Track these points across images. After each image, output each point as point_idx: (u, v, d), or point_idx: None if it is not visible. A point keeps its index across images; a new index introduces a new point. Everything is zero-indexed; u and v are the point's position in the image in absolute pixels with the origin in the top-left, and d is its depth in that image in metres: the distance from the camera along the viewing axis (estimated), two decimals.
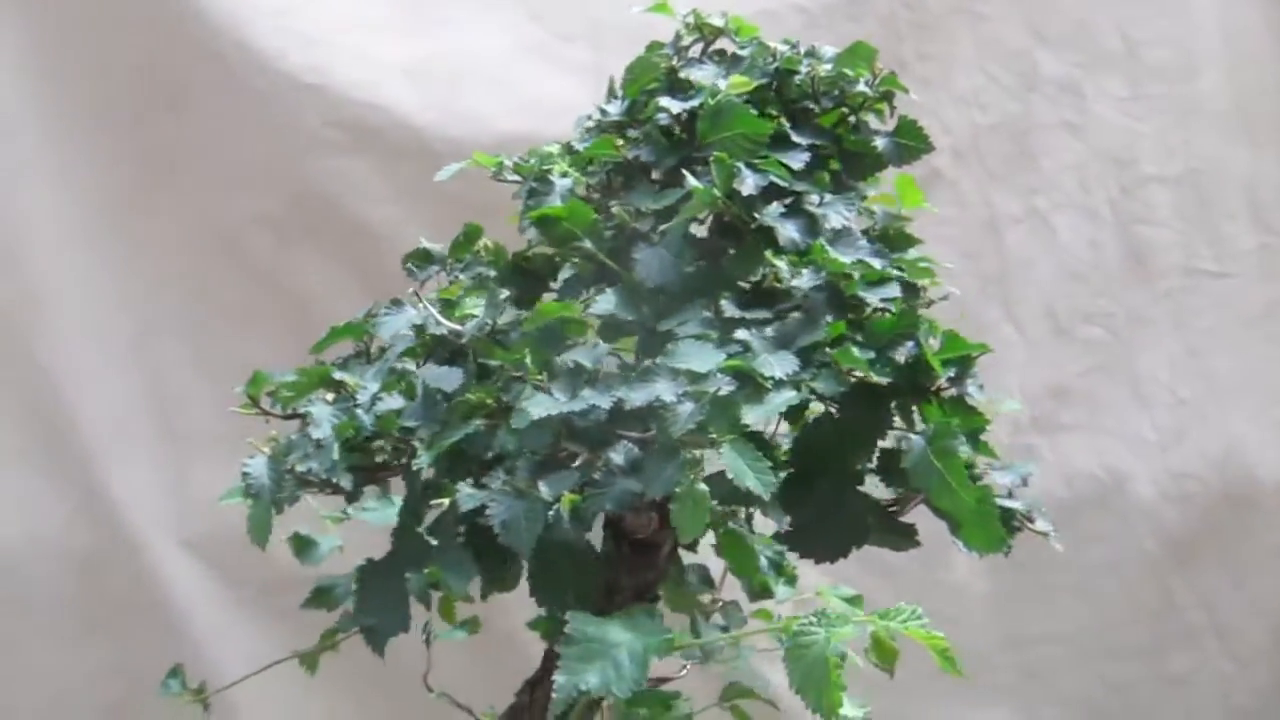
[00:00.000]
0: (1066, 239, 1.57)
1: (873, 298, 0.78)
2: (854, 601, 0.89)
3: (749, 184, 0.81)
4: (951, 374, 0.78)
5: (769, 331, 0.77)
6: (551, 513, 0.72)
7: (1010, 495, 0.85)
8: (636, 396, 0.72)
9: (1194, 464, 1.60)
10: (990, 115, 1.56)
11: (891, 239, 0.91)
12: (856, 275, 0.79)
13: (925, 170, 1.56)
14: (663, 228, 0.83)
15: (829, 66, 0.88)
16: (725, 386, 0.71)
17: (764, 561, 0.88)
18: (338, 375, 0.85)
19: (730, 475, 0.69)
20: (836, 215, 0.83)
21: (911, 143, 0.91)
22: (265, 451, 0.80)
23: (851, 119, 0.89)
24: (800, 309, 0.78)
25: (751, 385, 0.72)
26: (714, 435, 0.69)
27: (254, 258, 1.43)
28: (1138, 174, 1.62)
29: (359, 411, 0.81)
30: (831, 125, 0.89)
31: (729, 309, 0.79)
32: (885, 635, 0.68)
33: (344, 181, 1.42)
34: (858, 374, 0.75)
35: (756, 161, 0.82)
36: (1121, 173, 1.61)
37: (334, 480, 0.78)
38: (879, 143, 0.89)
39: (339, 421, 0.79)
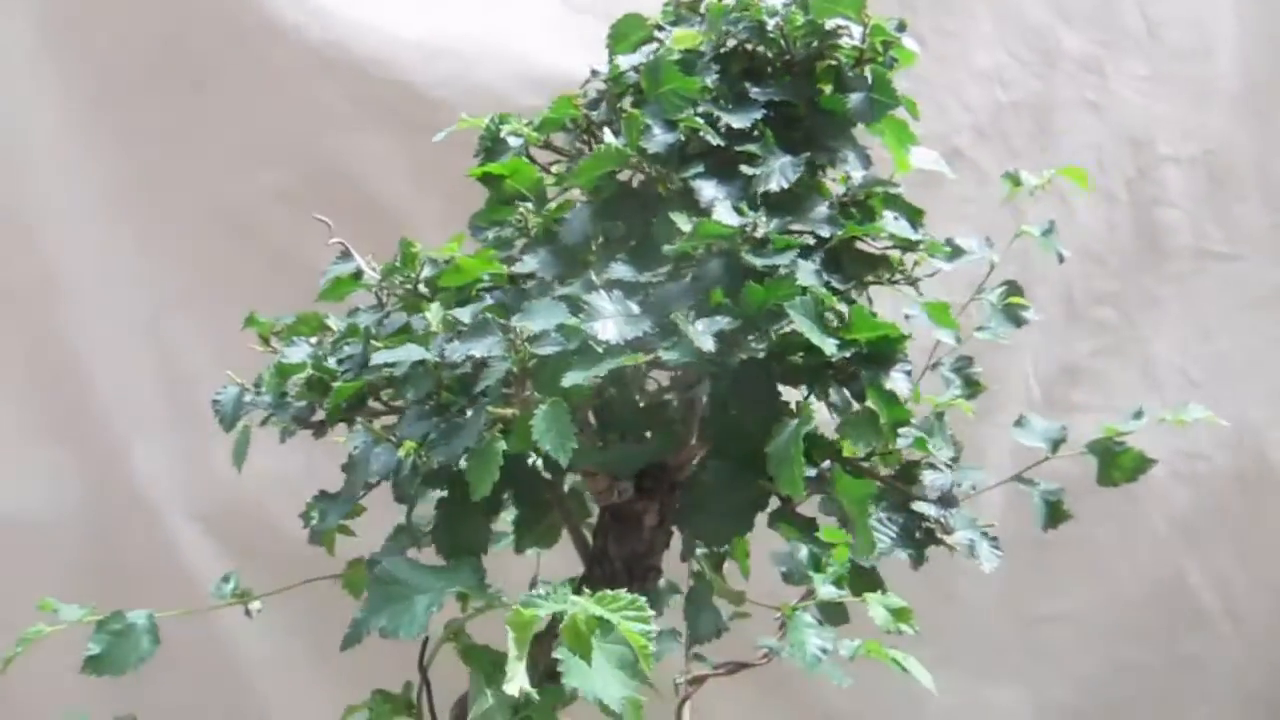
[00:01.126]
0: (1084, 219, 1.55)
1: (762, 264, 0.73)
2: (899, 614, 0.85)
3: (655, 142, 0.77)
4: (859, 355, 0.72)
5: (648, 296, 0.72)
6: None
7: (941, 500, 0.82)
8: (454, 350, 0.71)
9: (1205, 445, 1.59)
10: (1011, 93, 1.53)
11: (865, 205, 0.85)
12: (748, 242, 0.73)
13: (946, 148, 1.54)
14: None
15: (806, 17, 0.81)
16: (550, 347, 0.69)
17: (804, 554, 0.86)
18: (330, 321, 0.87)
19: (534, 435, 0.66)
20: (778, 177, 0.77)
21: (882, 98, 0.84)
22: (238, 383, 0.84)
23: (850, 72, 0.83)
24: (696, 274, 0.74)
25: (584, 347, 0.69)
26: (536, 395, 0.68)
27: (271, 233, 1.40)
28: (1154, 155, 1.59)
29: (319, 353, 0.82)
30: (818, 80, 0.83)
31: (617, 270, 0.74)
32: (580, 619, 0.63)
33: (361, 157, 1.39)
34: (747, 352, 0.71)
35: (679, 118, 0.78)
36: (1138, 153, 1.59)
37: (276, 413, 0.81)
38: (851, 99, 0.82)
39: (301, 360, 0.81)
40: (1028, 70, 1.53)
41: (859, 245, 0.82)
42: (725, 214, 0.74)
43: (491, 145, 0.86)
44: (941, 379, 1.07)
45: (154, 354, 1.41)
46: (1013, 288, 1.13)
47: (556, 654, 0.64)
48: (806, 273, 0.72)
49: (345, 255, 0.88)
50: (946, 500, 0.82)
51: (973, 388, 1.10)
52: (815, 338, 0.69)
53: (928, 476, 0.82)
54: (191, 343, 1.40)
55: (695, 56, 0.81)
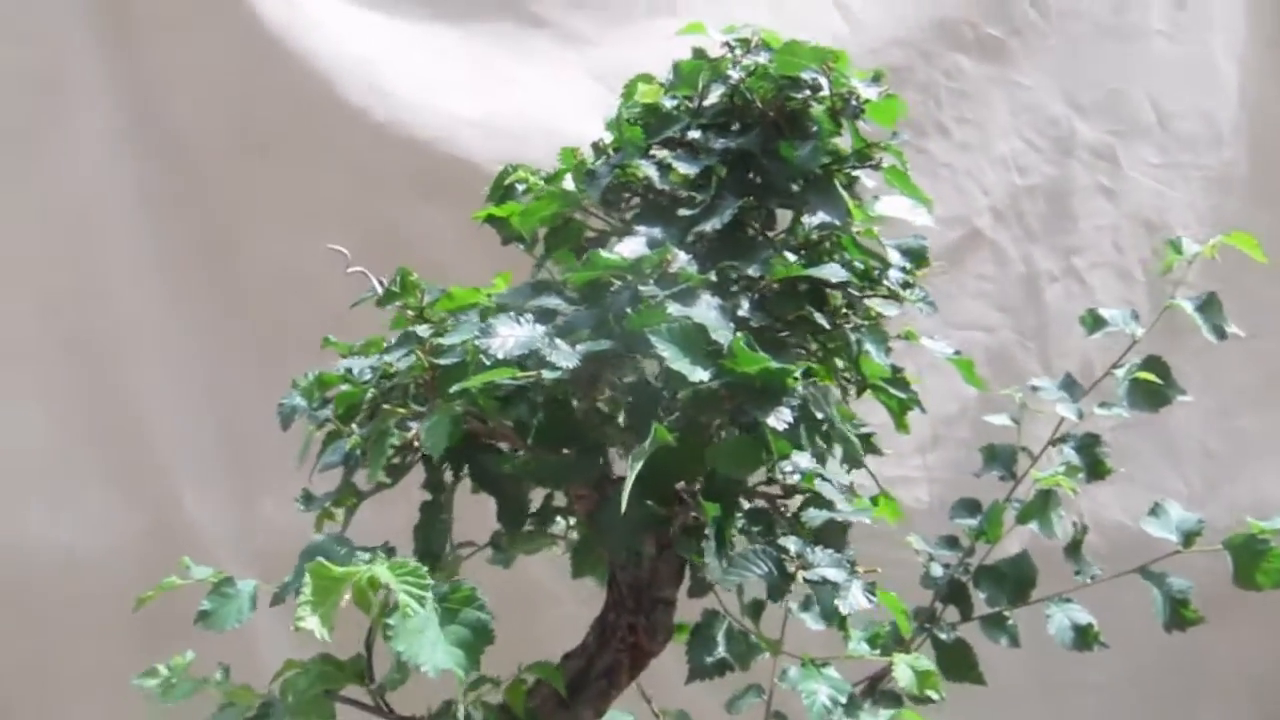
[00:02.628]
0: (1102, 297, 1.59)
1: (663, 294, 0.74)
2: (925, 679, 0.87)
3: (595, 186, 0.84)
4: (748, 389, 0.72)
5: (564, 319, 0.76)
6: None
7: (817, 535, 0.80)
8: (388, 358, 0.81)
9: (1224, 517, 1.59)
10: (1028, 178, 1.59)
11: (817, 248, 0.86)
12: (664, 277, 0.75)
13: (965, 230, 1.60)
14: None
15: (768, 64, 0.84)
16: (448, 359, 0.77)
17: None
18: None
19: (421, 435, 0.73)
20: (715, 219, 0.81)
21: (822, 146, 0.84)
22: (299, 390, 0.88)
23: (813, 123, 0.84)
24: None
25: (477, 362, 0.74)
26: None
27: (327, 294, 1.46)
28: (1168, 236, 1.64)
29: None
30: (789, 130, 0.85)
31: (544, 299, 0.79)
32: (364, 586, 0.66)
33: (418, 225, 1.46)
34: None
35: (622, 164, 0.84)
36: (1153, 235, 1.63)
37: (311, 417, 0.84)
38: (800, 150, 0.84)
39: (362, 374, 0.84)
40: (1043, 157, 1.59)
41: (812, 286, 0.85)
42: (629, 249, 0.78)
43: (501, 193, 0.93)
44: (1063, 456, 1.12)
45: (210, 406, 1.46)
46: (1152, 363, 1.18)
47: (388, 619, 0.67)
48: (706, 306, 0.74)
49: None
50: (823, 536, 0.80)
51: (1098, 469, 1.14)
52: (680, 365, 0.70)
53: (809, 513, 0.81)
54: (246, 396, 1.45)
55: (667, 109, 0.86)
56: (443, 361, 0.76)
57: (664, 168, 0.83)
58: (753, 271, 0.80)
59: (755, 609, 0.96)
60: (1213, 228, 1.65)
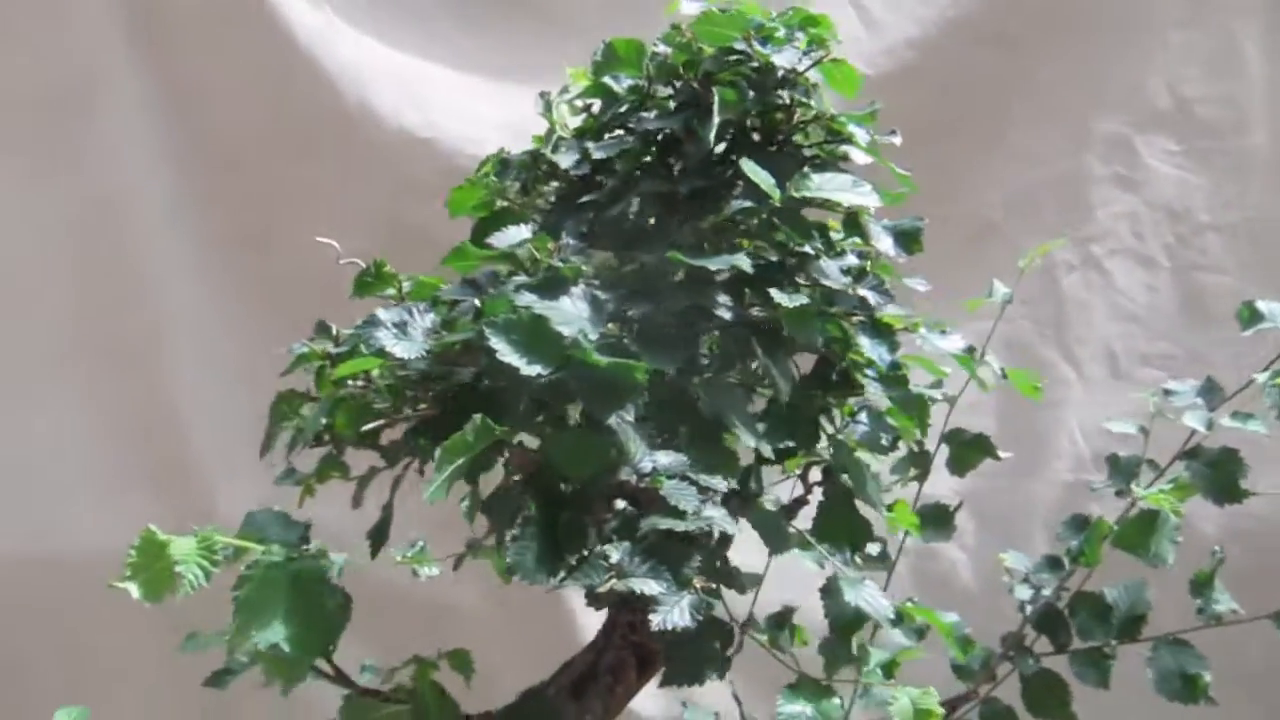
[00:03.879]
0: (1123, 284, 1.58)
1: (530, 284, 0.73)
2: (924, 715, 0.83)
3: (504, 177, 0.83)
4: (589, 385, 0.68)
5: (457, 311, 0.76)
6: None
7: (647, 546, 0.70)
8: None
9: (1254, 502, 1.58)
10: (1044, 171, 1.58)
11: (724, 234, 0.79)
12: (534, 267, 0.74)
13: (979, 224, 1.61)
14: None
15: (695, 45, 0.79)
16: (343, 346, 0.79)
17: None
18: None
19: None
20: (619, 207, 0.78)
21: (723, 117, 0.78)
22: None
23: (732, 94, 0.79)
24: None
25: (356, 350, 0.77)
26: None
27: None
28: (1193, 223, 1.63)
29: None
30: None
31: (460, 290, 0.78)
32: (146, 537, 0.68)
33: (447, 226, 1.48)
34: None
35: (533, 150, 0.84)
36: (1176, 222, 1.62)
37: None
38: (704, 129, 0.78)
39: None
40: (1058, 150, 1.59)
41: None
42: (504, 239, 0.77)
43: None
44: (1184, 470, 1.03)
45: (244, 404, 1.49)
46: None
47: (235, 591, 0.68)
48: (573, 298, 0.71)
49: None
50: (660, 546, 0.70)
51: (1231, 491, 1.03)
52: (511, 358, 0.68)
53: (646, 522, 0.71)
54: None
55: (614, 90, 0.83)
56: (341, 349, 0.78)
57: (585, 155, 0.81)
58: (644, 258, 0.75)
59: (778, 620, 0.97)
60: (1239, 213, 1.64)
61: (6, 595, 1.47)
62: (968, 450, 1.08)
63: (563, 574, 0.70)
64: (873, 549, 0.89)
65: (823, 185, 0.77)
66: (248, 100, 1.51)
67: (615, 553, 0.69)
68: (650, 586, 0.68)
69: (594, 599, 0.73)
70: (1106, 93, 1.61)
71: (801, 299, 0.75)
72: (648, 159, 0.81)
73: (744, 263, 0.73)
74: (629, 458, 0.70)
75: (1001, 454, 1.07)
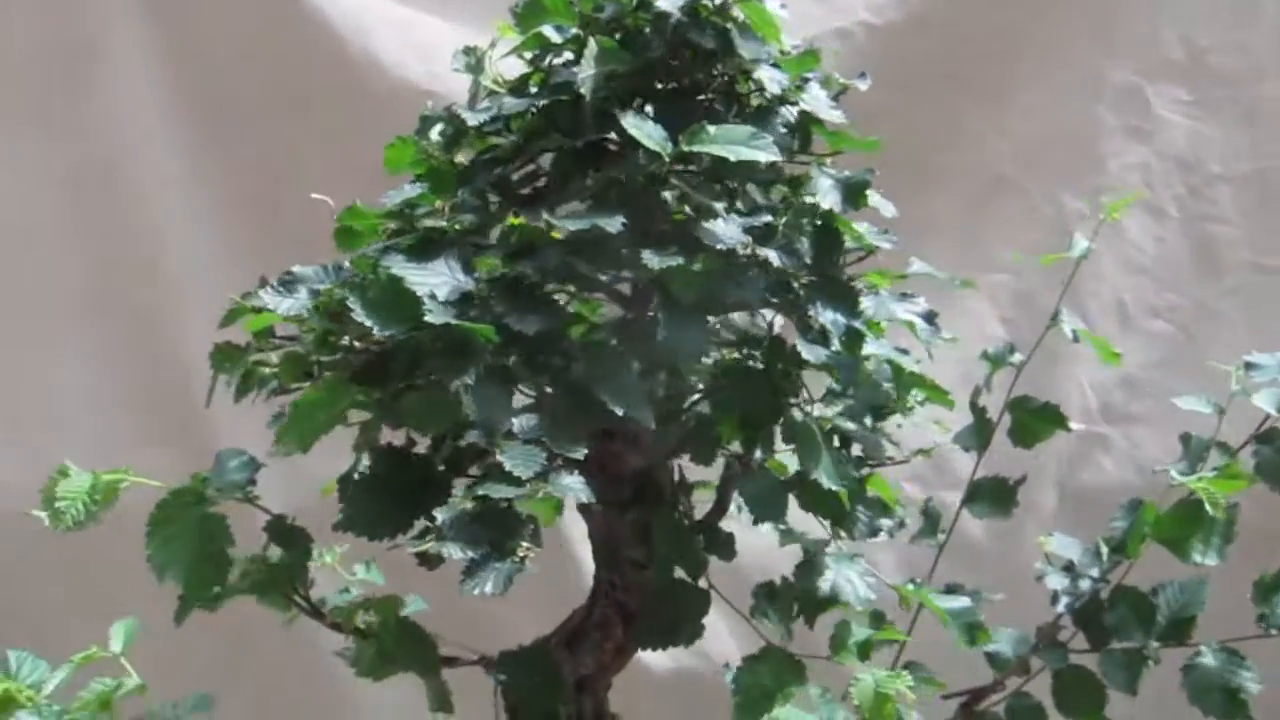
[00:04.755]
0: (1133, 235, 1.56)
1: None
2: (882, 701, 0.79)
3: (423, 134, 0.82)
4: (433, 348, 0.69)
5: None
6: None
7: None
8: None
9: None
10: (1054, 124, 1.56)
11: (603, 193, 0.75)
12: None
13: (990, 177, 1.59)
14: None
15: None
16: None
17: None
18: None
19: None
20: (513, 167, 0.77)
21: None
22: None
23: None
24: None
25: None
26: None
27: None
28: (1205, 174, 1.60)
29: None
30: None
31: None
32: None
33: None
34: None
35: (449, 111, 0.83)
36: (1188, 173, 1.60)
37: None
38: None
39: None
40: (1068, 102, 1.56)
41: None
42: (392, 198, 0.78)
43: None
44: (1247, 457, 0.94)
45: None
46: None
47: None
48: (442, 260, 0.72)
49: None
50: (481, 515, 0.68)
51: None
52: (364, 317, 0.68)
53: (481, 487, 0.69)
54: None
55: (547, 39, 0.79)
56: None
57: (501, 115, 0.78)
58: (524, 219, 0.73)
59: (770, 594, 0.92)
60: (1251, 164, 1.61)
61: (20, 547, 1.48)
62: (1034, 420, 1.01)
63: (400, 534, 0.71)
64: (886, 523, 0.85)
65: (716, 138, 0.71)
66: (253, 54, 1.50)
67: (441, 515, 0.68)
68: (457, 552, 0.67)
69: (422, 559, 0.72)
70: (1118, 42, 1.58)
71: (674, 259, 0.70)
72: (557, 114, 0.77)
73: (613, 224, 0.70)
74: (477, 420, 0.69)
75: (1075, 425, 1.02)
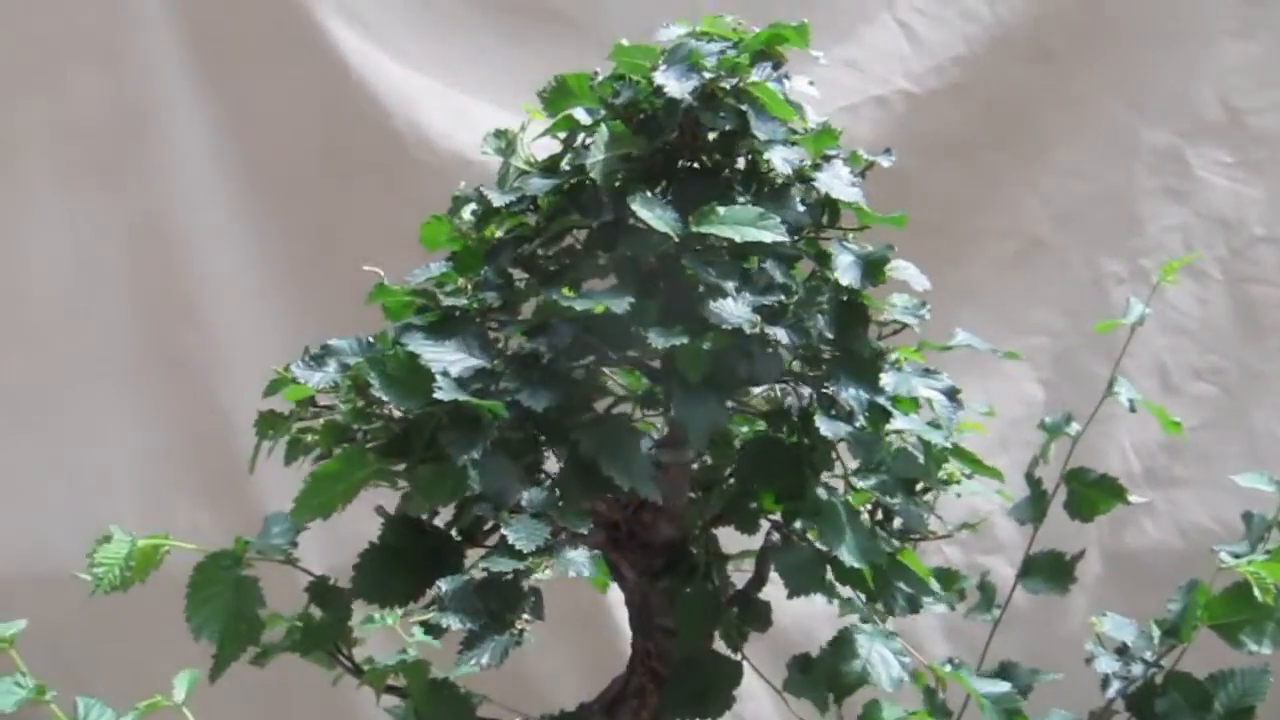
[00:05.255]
0: (1174, 297, 1.55)
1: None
2: None
3: (457, 217, 0.84)
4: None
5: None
6: None
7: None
8: None
9: None
10: (1091, 185, 1.56)
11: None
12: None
13: (1027, 240, 1.59)
14: None
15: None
16: None
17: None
18: None
19: None
20: (535, 246, 0.79)
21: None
22: None
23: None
24: None
25: None
26: None
27: None
28: (1247, 235, 1.59)
29: None
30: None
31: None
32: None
33: None
34: None
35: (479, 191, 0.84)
36: (1229, 234, 1.58)
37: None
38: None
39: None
40: (1106, 164, 1.56)
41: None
42: (417, 276, 0.82)
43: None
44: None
45: None
46: None
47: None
48: (459, 337, 0.75)
49: None
50: (482, 586, 0.71)
51: None
52: (381, 392, 0.72)
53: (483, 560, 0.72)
54: None
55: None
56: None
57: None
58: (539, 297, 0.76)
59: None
60: None
61: (61, 606, 1.50)
62: (1093, 492, 0.99)
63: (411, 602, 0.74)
64: (928, 599, 0.83)
65: (725, 219, 0.73)
66: (302, 121, 1.54)
67: (445, 585, 0.70)
68: (456, 622, 0.69)
69: (427, 629, 0.73)
70: (1155, 104, 1.58)
71: (680, 338, 0.71)
72: (578, 194, 0.79)
73: (619, 304, 0.72)
74: (484, 492, 0.71)
75: (1134, 498, 0.99)
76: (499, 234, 0.81)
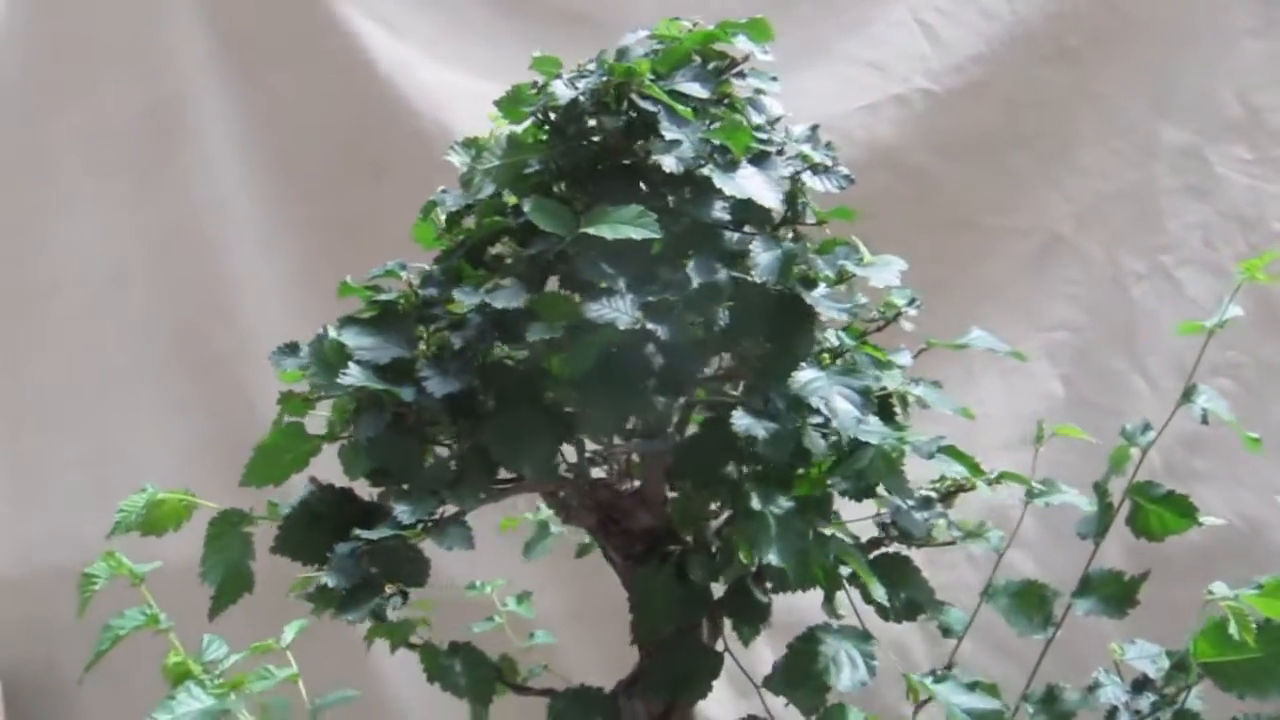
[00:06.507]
0: (1194, 293, 1.55)
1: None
2: None
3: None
4: None
5: None
6: None
7: None
8: None
9: None
10: (1112, 183, 1.56)
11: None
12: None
13: (1048, 237, 1.59)
14: None
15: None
16: None
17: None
18: None
19: None
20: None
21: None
22: None
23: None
24: None
25: None
26: None
27: None
28: (1266, 232, 1.58)
29: None
30: None
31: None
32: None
33: None
34: None
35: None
36: (1249, 231, 1.58)
37: None
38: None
39: None
40: (1127, 162, 1.56)
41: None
42: (372, 273, 0.88)
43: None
44: None
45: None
46: None
47: None
48: (390, 331, 0.82)
49: None
50: (371, 554, 0.78)
51: None
52: (314, 378, 0.82)
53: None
54: None
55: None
56: None
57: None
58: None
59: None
60: None
61: (92, 605, 1.52)
62: (1160, 509, 0.91)
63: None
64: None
65: (607, 218, 0.75)
66: (330, 125, 1.56)
67: (338, 549, 0.78)
68: (331, 580, 0.77)
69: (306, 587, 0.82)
70: (1175, 102, 1.58)
71: (548, 334, 0.75)
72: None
73: (498, 300, 0.76)
74: (386, 469, 0.79)
75: (1207, 518, 0.92)
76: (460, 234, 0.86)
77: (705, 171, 0.77)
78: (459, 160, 0.87)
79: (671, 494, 0.86)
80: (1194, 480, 1.55)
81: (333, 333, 0.82)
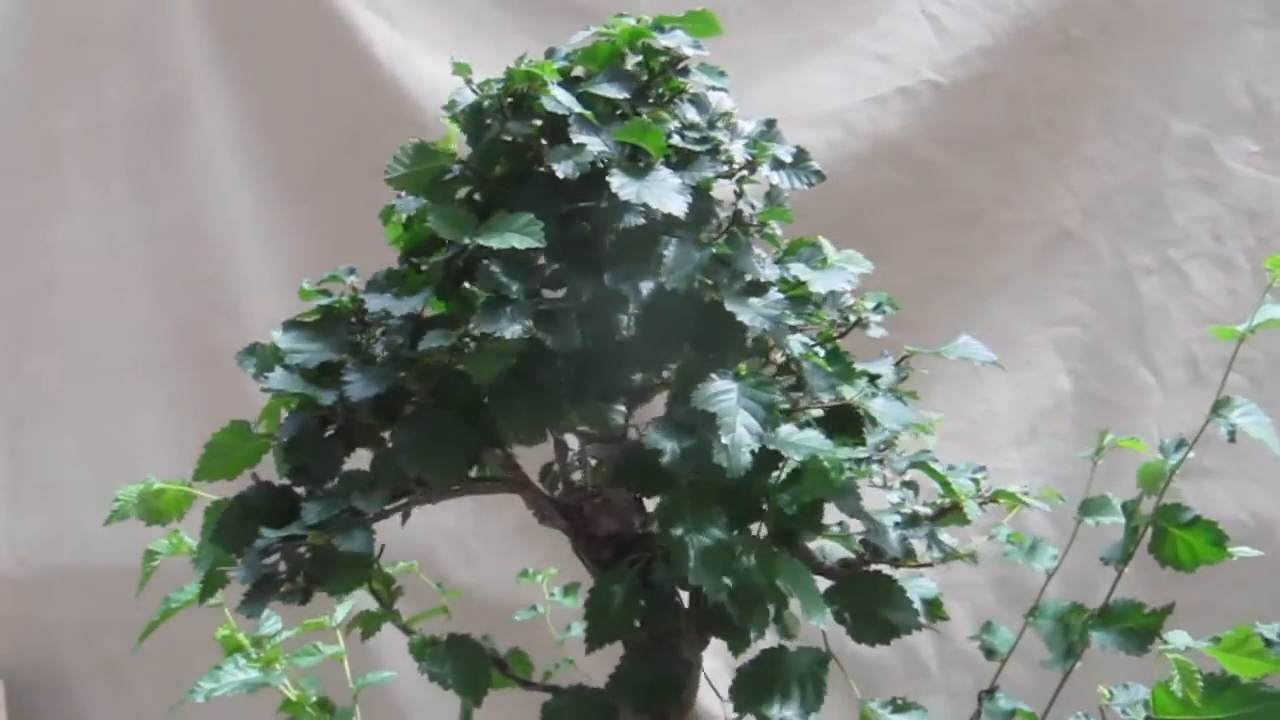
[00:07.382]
0: (1202, 287, 1.54)
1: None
2: None
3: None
4: None
5: None
6: None
7: None
8: None
9: None
10: (1119, 176, 1.55)
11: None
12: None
13: (1054, 230, 1.58)
14: None
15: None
16: None
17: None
18: None
19: None
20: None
21: None
22: None
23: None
24: None
25: None
26: None
27: None
28: (1274, 225, 1.58)
29: None
30: None
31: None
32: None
33: None
34: None
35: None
36: (1257, 225, 1.57)
37: None
38: None
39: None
40: (1135, 155, 1.55)
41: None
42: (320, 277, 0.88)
43: None
44: None
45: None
46: None
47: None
48: (338, 331, 0.84)
49: None
50: (259, 553, 0.81)
51: None
52: (257, 378, 0.82)
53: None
54: None
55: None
56: None
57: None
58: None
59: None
60: None
61: (97, 598, 1.51)
62: (1187, 537, 0.85)
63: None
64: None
65: (498, 227, 0.75)
66: (332, 120, 1.55)
67: (254, 544, 0.79)
68: (239, 577, 0.79)
69: (204, 583, 0.86)
70: (1183, 95, 1.57)
71: (438, 341, 0.75)
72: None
73: (400, 306, 0.78)
74: (303, 469, 0.81)
75: (1240, 550, 0.85)
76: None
77: (608, 176, 0.74)
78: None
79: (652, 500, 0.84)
80: (1203, 477, 1.54)
81: (275, 335, 0.83)
